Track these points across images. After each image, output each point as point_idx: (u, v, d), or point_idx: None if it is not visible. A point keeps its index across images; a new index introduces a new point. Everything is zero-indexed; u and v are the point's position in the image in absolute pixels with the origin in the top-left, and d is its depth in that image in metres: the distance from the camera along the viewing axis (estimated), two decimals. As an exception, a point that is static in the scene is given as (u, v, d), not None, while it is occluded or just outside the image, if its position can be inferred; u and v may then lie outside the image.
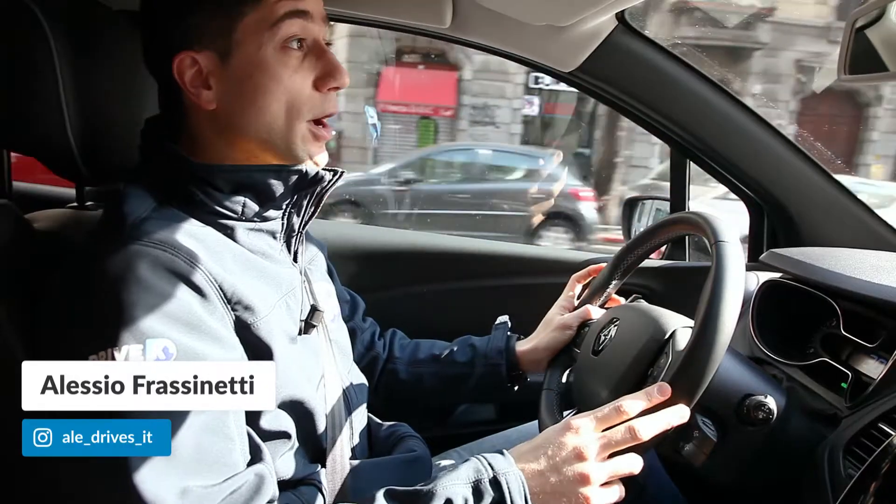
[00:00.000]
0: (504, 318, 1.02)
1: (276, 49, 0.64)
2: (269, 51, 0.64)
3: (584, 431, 0.62)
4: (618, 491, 0.63)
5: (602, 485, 0.61)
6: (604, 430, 0.63)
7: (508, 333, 0.98)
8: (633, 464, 0.63)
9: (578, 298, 0.97)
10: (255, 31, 0.64)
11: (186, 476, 0.52)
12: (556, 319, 0.95)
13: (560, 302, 0.98)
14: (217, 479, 0.54)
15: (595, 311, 0.92)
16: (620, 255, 0.91)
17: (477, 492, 0.59)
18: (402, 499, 0.60)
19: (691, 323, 0.71)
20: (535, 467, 0.61)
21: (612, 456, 0.62)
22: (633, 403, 0.63)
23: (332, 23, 0.73)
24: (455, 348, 0.99)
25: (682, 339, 0.71)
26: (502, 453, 0.63)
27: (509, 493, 0.59)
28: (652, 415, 0.63)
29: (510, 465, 0.61)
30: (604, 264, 0.95)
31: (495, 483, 0.59)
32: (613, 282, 0.93)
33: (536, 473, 0.61)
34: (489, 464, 0.61)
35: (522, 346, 0.96)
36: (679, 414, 0.63)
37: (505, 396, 0.97)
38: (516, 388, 0.96)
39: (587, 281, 0.98)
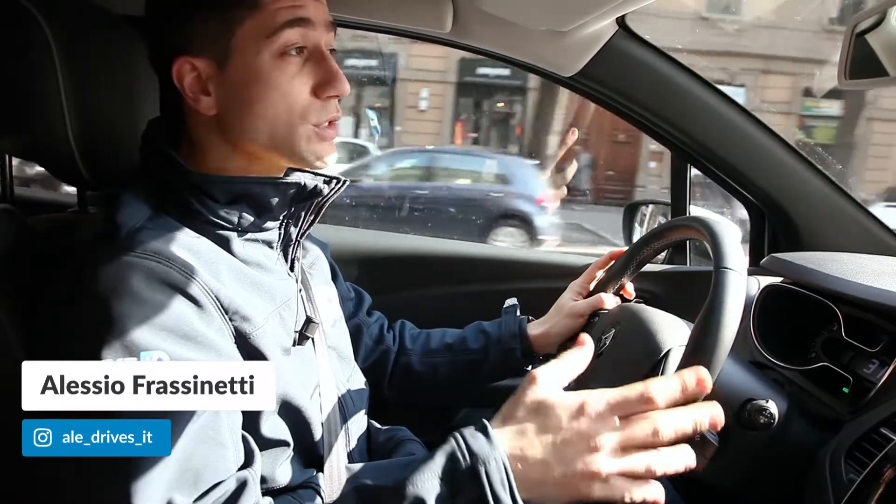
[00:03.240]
0: (513, 301, 1.02)
1: (275, 56, 0.63)
2: (266, 58, 0.63)
3: (599, 417, 0.52)
4: (630, 486, 0.52)
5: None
6: (620, 417, 0.53)
7: (520, 316, 0.99)
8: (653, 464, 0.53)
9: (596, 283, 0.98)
10: (253, 38, 0.63)
11: (171, 488, 0.51)
12: (568, 306, 0.95)
13: (574, 286, 0.99)
14: (202, 488, 0.53)
15: (608, 301, 0.92)
16: (637, 246, 0.91)
17: (452, 486, 0.52)
18: (371, 495, 0.55)
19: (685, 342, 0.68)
20: (537, 455, 0.53)
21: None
22: (662, 391, 0.52)
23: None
24: (467, 335, 1.00)
25: (675, 359, 0.70)
26: (487, 433, 0.53)
27: (489, 486, 0.51)
28: (678, 410, 0.53)
29: (492, 449, 0.52)
30: (624, 249, 0.95)
31: (473, 473, 0.51)
32: (628, 272, 0.93)
33: (539, 463, 0.52)
34: (467, 448, 0.52)
35: (534, 329, 0.97)
36: (711, 413, 0.53)
37: (519, 378, 0.96)
38: (529, 367, 0.95)
39: (607, 267, 0.98)
